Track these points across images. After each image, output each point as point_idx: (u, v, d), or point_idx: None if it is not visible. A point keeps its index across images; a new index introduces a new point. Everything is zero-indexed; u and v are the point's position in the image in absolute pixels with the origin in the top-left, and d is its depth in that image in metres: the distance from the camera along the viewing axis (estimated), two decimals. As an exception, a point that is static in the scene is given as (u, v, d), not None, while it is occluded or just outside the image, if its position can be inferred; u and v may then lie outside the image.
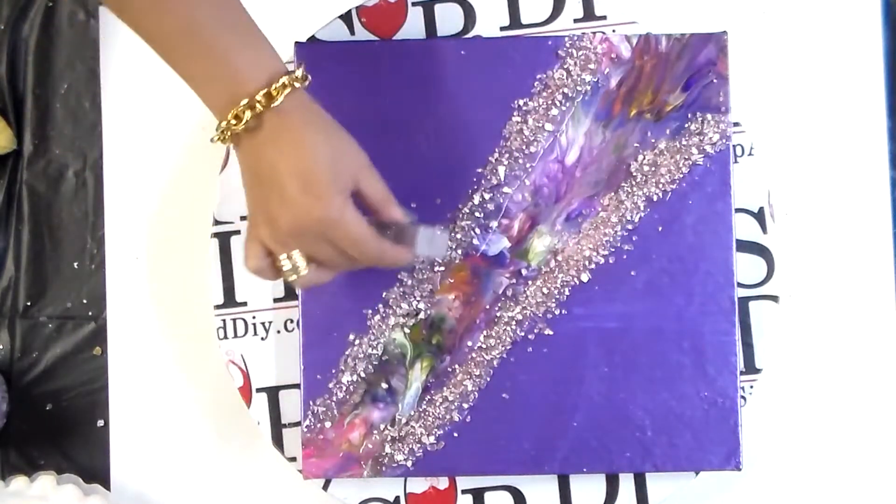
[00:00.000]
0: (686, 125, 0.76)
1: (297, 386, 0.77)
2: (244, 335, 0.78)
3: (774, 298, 0.77)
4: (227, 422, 0.81)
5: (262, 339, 0.78)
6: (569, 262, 0.75)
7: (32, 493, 0.75)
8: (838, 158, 0.80)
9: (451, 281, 0.76)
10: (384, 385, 0.76)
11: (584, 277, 0.75)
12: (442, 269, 0.76)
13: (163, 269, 0.82)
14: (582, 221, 0.76)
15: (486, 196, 0.76)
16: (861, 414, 0.79)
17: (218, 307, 0.78)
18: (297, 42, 0.77)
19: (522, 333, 0.75)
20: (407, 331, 0.76)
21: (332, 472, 0.75)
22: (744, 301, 0.77)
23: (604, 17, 0.79)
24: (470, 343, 0.75)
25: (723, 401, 0.74)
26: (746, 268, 0.77)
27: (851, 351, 0.80)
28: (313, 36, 0.78)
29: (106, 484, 0.81)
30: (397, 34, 0.79)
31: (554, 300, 0.75)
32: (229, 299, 0.78)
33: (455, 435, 0.75)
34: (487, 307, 0.76)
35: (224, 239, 0.79)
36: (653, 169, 0.75)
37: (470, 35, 0.79)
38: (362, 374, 0.76)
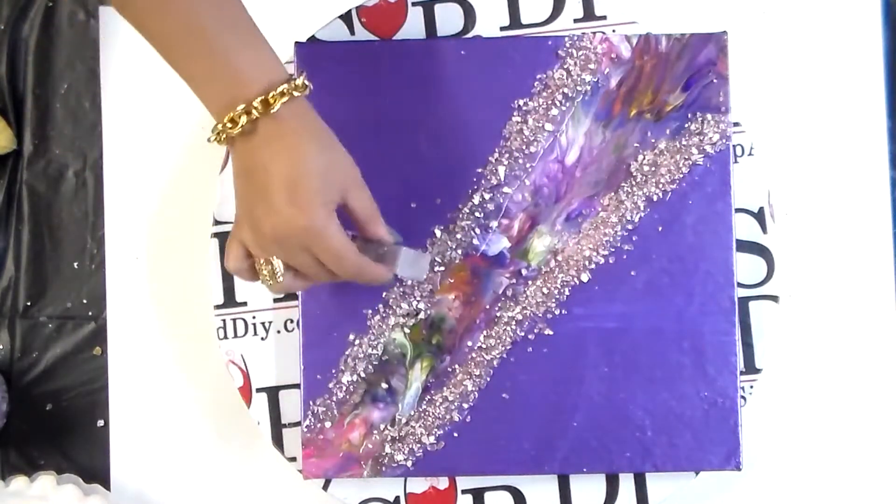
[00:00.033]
0: (686, 125, 0.76)
1: (297, 386, 0.77)
2: (244, 335, 0.78)
3: (774, 298, 0.77)
4: (227, 422, 0.81)
5: (262, 339, 0.78)
6: (569, 262, 0.75)
7: (32, 493, 0.75)
8: (838, 158, 0.80)
9: (451, 281, 0.76)
10: (384, 385, 0.76)
11: (584, 277, 0.75)
12: (442, 269, 0.76)
13: (163, 269, 0.82)
14: (582, 221, 0.76)
15: (486, 196, 0.76)
16: (861, 414, 0.79)
17: (218, 307, 0.78)
18: (297, 42, 0.77)
19: (522, 333, 0.75)
20: (407, 331, 0.76)
21: (332, 472, 0.75)
22: (744, 301, 0.77)
23: (604, 17, 0.79)
24: (470, 343, 0.75)
25: (723, 401, 0.74)
26: (746, 268, 0.77)
27: (851, 351, 0.80)
28: (313, 36, 0.78)
29: (106, 484, 0.81)
30: (397, 34, 0.79)
31: (554, 300, 0.75)
32: (229, 299, 0.79)
33: (455, 435, 0.75)
34: (487, 307, 0.76)
35: (224, 239, 0.78)
36: (653, 169, 0.75)
37: (470, 35, 0.79)
38: (362, 374, 0.76)
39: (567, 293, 0.75)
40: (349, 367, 0.75)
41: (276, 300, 0.78)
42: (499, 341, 0.75)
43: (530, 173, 0.76)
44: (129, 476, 0.81)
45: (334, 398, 0.76)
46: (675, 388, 0.75)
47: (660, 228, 0.75)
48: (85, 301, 0.82)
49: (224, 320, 0.78)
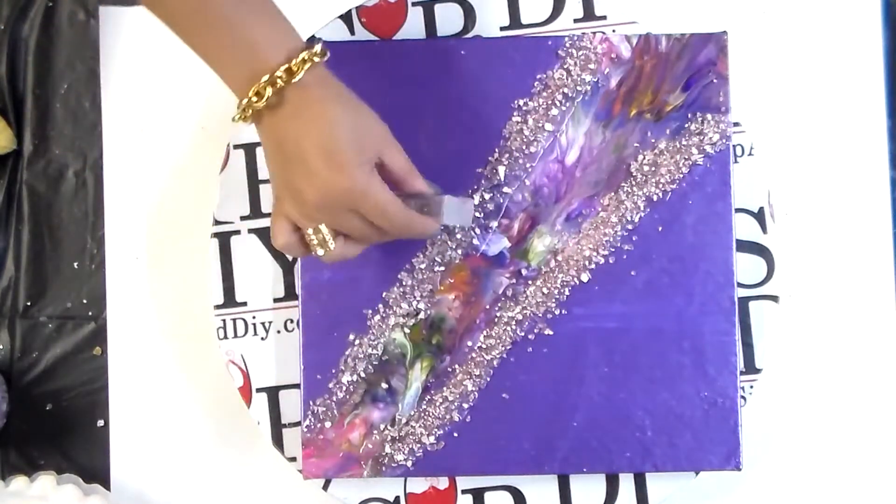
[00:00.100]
0: (686, 125, 0.76)
1: (297, 386, 0.77)
2: (244, 335, 0.78)
3: (774, 298, 0.77)
4: (227, 422, 0.81)
5: (262, 339, 0.78)
6: (569, 262, 0.75)
7: (32, 493, 0.75)
8: (838, 158, 0.80)
9: (451, 281, 0.76)
10: (384, 385, 0.76)
11: (584, 277, 0.75)
12: (442, 269, 0.76)
13: (163, 269, 0.82)
14: (582, 221, 0.76)
15: (486, 196, 0.76)
16: (861, 414, 0.79)
17: (218, 307, 0.78)
18: (297, 42, 0.77)
19: (522, 333, 0.75)
20: (407, 331, 0.76)
21: (332, 472, 0.75)
22: (744, 301, 0.77)
23: (604, 17, 0.79)
24: (470, 343, 0.75)
25: (723, 401, 0.74)
26: (746, 268, 0.77)
27: (851, 351, 0.80)
28: (313, 36, 0.78)
29: (106, 484, 0.81)
30: (397, 34, 0.79)
31: (554, 300, 0.75)
32: (229, 299, 0.79)
33: (455, 435, 0.75)
34: (487, 307, 0.76)
35: (224, 239, 0.79)
36: (653, 169, 0.75)
37: (470, 35, 0.79)
38: (362, 374, 0.76)
39: (567, 293, 0.75)
40: (349, 367, 0.76)
41: (275, 300, 0.78)
42: (499, 341, 0.75)
43: (530, 173, 0.76)
44: (129, 476, 0.81)
45: (334, 398, 0.76)
46: (675, 388, 0.75)
47: (660, 228, 0.75)
48: (85, 301, 0.82)
49: (224, 320, 0.78)
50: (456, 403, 0.75)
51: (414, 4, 0.79)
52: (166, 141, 0.82)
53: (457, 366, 0.75)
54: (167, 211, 0.82)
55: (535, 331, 0.75)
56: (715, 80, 0.76)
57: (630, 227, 0.75)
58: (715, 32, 0.76)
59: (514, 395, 0.75)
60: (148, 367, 0.81)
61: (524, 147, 0.76)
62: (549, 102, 0.76)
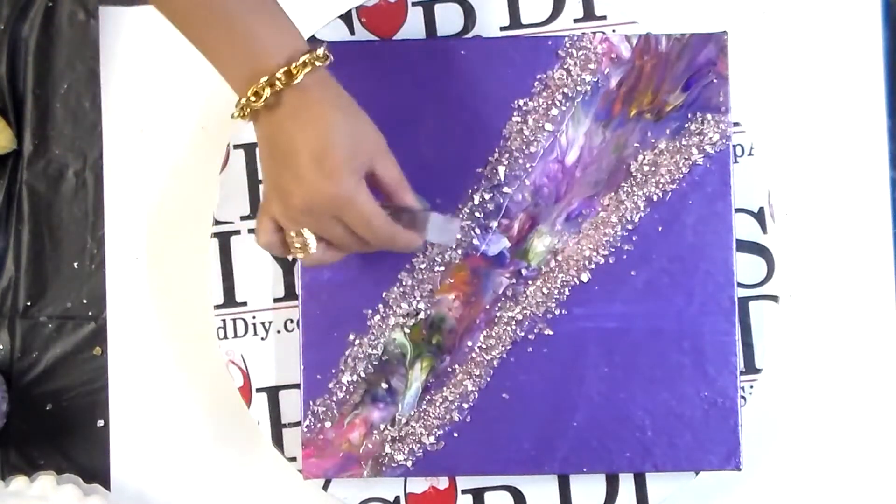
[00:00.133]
0: (686, 125, 0.76)
1: (297, 386, 0.77)
2: (244, 335, 0.78)
3: (774, 298, 0.77)
4: (227, 422, 0.81)
5: (262, 339, 0.78)
6: (569, 262, 0.75)
7: (32, 493, 0.75)
8: (838, 158, 0.80)
9: (451, 281, 0.76)
10: (384, 385, 0.76)
11: (584, 277, 0.75)
12: (442, 269, 0.76)
13: (163, 269, 0.82)
14: (582, 221, 0.76)
15: (486, 196, 0.76)
16: (861, 414, 0.79)
17: (218, 307, 0.78)
18: (297, 42, 0.77)
19: (522, 333, 0.75)
20: (407, 331, 0.76)
21: (332, 472, 0.75)
22: (744, 301, 0.77)
23: (604, 17, 0.79)
24: (470, 343, 0.75)
25: (723, 401, 0.74)
26: (746, 268, 0.77)
27: (851, 351, 0.80)
28: (313, 36, 0.78)
29: (106, 484, 0.81)
30: (397, 34, 0.79)
31: (554, 300, 0.75)
32: (229, 299, 0.79)
33: (455, 435, 0.75)
34: (487, 307, 0.76)
35: (224, 239, 0.79)
36: (653, 169, 0.75)
37: (470, 35, 0.79)
38: (362, 374, 0.76)
39: (567, 293, 0.75)
40: (349, 367, 0.76)
41: (275, 300, 0.78)
42: (499, 341, 0.75)
43: (530, 173, 0.76)
44: (129, 476, 0.81)
45: (334, 398, 0.76)
46: (675, 388, 0.75)
47: (660, 228, 0.75)
48: (85, 301, 0.82)
49: (224, 320, 0.78)
50: (456, 403, 0.75)
51: (414, 4, 0.79)
52: (166, 141, 0.82)
53: (457, 366, 0.75)
54: (167, 211, 0.82)
55: (535, 331, 0.75)
56: (715, 80, 0.76)
57: (630, 227, 0.75)
58: (715, 32, 0.76)
59: (514, 395, 0.75)
60: (148, 367, 0.81)
61: (524, 147, 0.76)
62: (549, 102, 0.76)
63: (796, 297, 0.80)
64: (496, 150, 0.76)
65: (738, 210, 0.77)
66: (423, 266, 0.76)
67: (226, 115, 0.80)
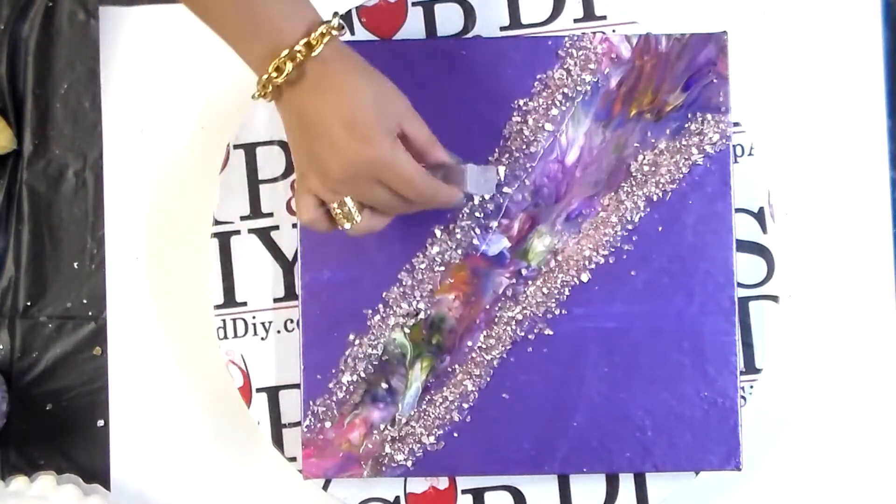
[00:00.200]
0: (686, 125, 0.76)
1: (297, 386, 0.77)
2: (244, 335, 0.78)
3: (774, 298, 0.77)
4: (227, 422, 0.81)
5: (262, 339, 0.78)
6: (569, 262, 0.75)
7: (32, 493, 0.75)
8: (838, 158, 0.80)
9: (451, 281, 0.76)
10: (384, 385, 0.76)
11: (584, 277, 0.75)
12: (442, 268, 0.76)
13: (163, 269, 0.82)
14: (582, 221, 0.76)
15: (486, 196, 0.76)
16: (861, 414, 0.79)
17: (218, 307, 0.78)
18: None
19: (522, 333, 0.75)
20: (407, 331, 0.76)
21: (332, 472, 0.75)
22: (744, 301, 0.77)
23: (604, 17, 0.79)
24: (470, 343, 0.75)
25: (723, 401, 0.74)
26: (746, 268, 0.77)
27: (851, 351, 0.80)
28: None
29: (106, 484, 0.81)
30: (397, 34, 0.79)
31: (554, 300, 0.75)
32: (229, 299, 0.79)
33: (455, 435, 0.75)
34: (487, 307, 0.76)
35: (224, 239, 0.79)
36: (653, 169, 0.75)
37: (470, 35, 0.79)
38: (362, 374, 0.76)
39: (567, 293, 0.75)
40: (349, 367, 0.76)
41: (275, 300, 0.78)
42: (499, 341, 0.75)
43: (530, 173, 0.76)
44: (129, 476, 0.81)
45: (334, 398, 0.76)
46: (675, 388, 0.75)
47: (660, 228, 0.75)
48: (85, 301, 0.82)
49: (224, 320, 0.78)
50: (456, 403, 0.75)
51: (414, 4, 0.79)
52: (166, 141, 0.82)
53: (457, 366, 0.75)
54: (167, 211, 0.82)
55: (535, 331, 0.75)
56: (715, 80, 0.76)
57: (630, 227, 0.75)
58: (715, 32, 0.76)
59: (514, 395, 0.75)
60: (148, 367, 0.81)
61: (524, 147, 0.76)
62: (549, 102, 0.76)
63: (796, 297, 0.80)
64: (496, 150, 0.76)
65: (738, 210, 0.77)
66: (423, 266, 0.76)
67: (226, 115, 0.81)
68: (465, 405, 0.75)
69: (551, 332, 0.75)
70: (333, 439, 0.75)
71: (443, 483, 0.77)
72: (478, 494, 0.77)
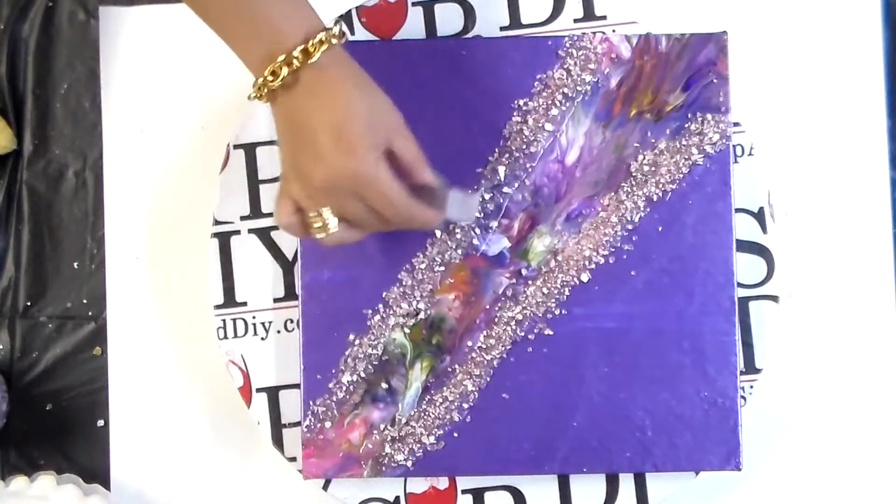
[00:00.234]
0: (686, 125, 0.76)
1: (297, 386, 0.77)
2: (244, 335, 0.78)
3: (774, 298, 0.77)
4: (227, 422, 0.81)
5: (262, 339, 0.78)
6: (569, 262, 0.75)
7: (32, 493, 0.75)
8: (838, 158, 0.80)
9: (451, 281, 0.76)
10: (384, 385, 0.76)
11: (584, 277, 0.75)
12: (442, 269, 0.76)
13: (163, 269, 0.82)
14: (582, 221, 0.76)
15: (486, 196, 0.76)
16: (861, 414, 0.79)
17: (218, 307, 0.78)
18: (297, 42, 0.77)
19: (522, 333, 0.75)
20: (407, 331, 0.76)
21: (332, 472, 0.75)
22: (744, 301, 0.77)
23: (604, 17, 0.79)
24: (470, 343, 0.75)
25: (723, 401, 0.74)
26: (746, 268, 0.77)
27: (851, 351, 0.80)
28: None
29: (106, 484, 0.81)
30: (397, 34, 0.79)
31: (554, 300, 0.75)
32: (229, 299, 0.79)
33: (455, 435, 0.75)
34: (487, 307, 0.76)
35: (224, 239, 0.79)
36: (653, 169, 0.75)
37: (470, 35, 0.79)
38: (362, 374, 0.76)
39: (567, 293, 0.75)
40: (349, 367, 0.76)
41: (275, 300, 0.78)
42: (499, 341, 0.75)
43: (530, 173, 0.76)
44: (129, 476, 0.81)
45: (334, 398, 0.76)
46: (675, 388, 0.75)
47: (660, 228, 0.75)
48: (85, 301, 0.82)
49: (224, 320, 0.78)
50: (456, 403, 0.75)
51: (414, 4, 0.79)
52: (166, 141, 0.82)
53: (457, 366, 0.75)
54: (167, 211, 0.82)
55: (535, 331, 0.75)
56: (715, 80, 0.76)
57: (630, 227, 0.75)
58: (715, 32, 0.76)
59: (514, 395, 0.75)
60: (148, 367, 0.81)
61: (524, 147, 0.76)
62: (549, 102, 0.76)
63: (796, 297, 0.80)
64: (496, 150, 0.76)
65: (738, 210, 0.77)
66: (423, 266, 0.76)
67: (226, 115, 0.81)
68: (465, 405, 0.75)
69: (551, 332, 0.75)
70: (333, 439, 0.75)
71: (443, 483, 0.77)
72: (478, 494, 0.77)
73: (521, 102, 0.76)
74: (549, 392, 0.75)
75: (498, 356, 0.75)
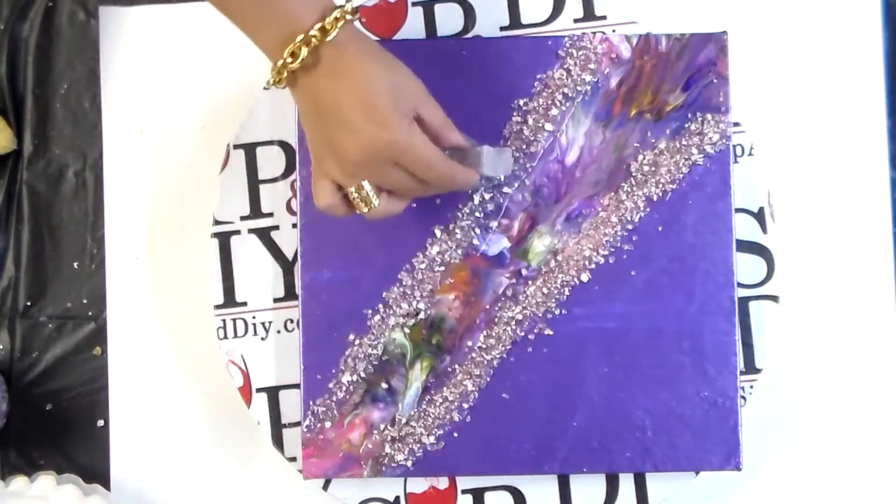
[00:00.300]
0: (686, 125, 0.76)
1: (297, 386, 0.77)
2: (244, 335, 0.78)
3: (774, 298, 0.77)
4: (227, 422, 0.81)
5: (262, 339, 0.78)
6: (569, 262, 0.75)
7: (32, 493, 0.75)
8: (838, 158, 0.80)
9: (451, 281, 0.76)
10: (384, 385, 0.76)
11: (584, 277, 0.75)
12: (442, 268, 0.76)
13: (163, 269, 0.82)
14: (582, 221, 0.76)
15: (486, 196, 0.76)
16: (861, 414, 0.79)
17: (218, 307, 0.78)
18: (297, 42, 0.77)
19: (522, 333, 0.75)
20: (407, 331, 0.76)
21: (332, 472, 0.75)
22: (744, 301, 0.77)
23: (604, 17, 0.79)
24: (470, 343, 0.75)
25: (723, 401, 0.74)
26: (746, 268, 0.77)
27: (851, 351, 0.80)
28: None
29: (106, 484, 0.81)
30: (397, 34, 0.79)
31: (554, 300, 0.75)
32: (229, 299, 0.79)
33: (455, 435, 0.75)
34: (487, 307, 0.76)
35: (224, 239, 0.79)
36: (653, 169, 0.75)
37: (470, 35, 0.79)
38: (362, 374, 0.76)
39: (567, 293, 0.75)
40: (349, 367, 0.76)
41: (275, 300, 0.78)
42: (499, 341, 0.75)
43: (530, 173, 0.76)
44: (129, 476, 0.81)
45: (334, 398, 0.76)
46: (675, 388, 0.75)
47: (660, 228, 0.75)
48: (85, 301, 0.82)
49: (224, 320, 0.78)
50: (456, 403, 0.75)
51: (414, 4, 0.79)
52: (166, 141, 0.82)
53: (457, 366, 0.75)
54: (167, 211, 0.82)
55: (535, 331, 0.75)
56: (715, 80, 0.76)
57: (630, 227, 0.75)
58: (715, 32, 0.76)
59: (514, 395, 0.75)
60: (148, 367, 0.81)
61: (524, 147, 0.76)
62: (549, 102, 0.76)
63: (796, 297, 0.80)
64: (496, 150, 0.76)
65: (738, 210, 0.77)
66: (423, 266, 0.76)
67: (226, 115, 0.81)
68: (465, 405, 0.75)
69: (551, 332, 0.75)
70: (333, 439, 0.75)
71: (443, 483, 0.77)
72: (478, 494, 0.77)
73: (521, 102, 0.76)
74: (549, 392, 0.75)
75: (498, 356, 0.75)
